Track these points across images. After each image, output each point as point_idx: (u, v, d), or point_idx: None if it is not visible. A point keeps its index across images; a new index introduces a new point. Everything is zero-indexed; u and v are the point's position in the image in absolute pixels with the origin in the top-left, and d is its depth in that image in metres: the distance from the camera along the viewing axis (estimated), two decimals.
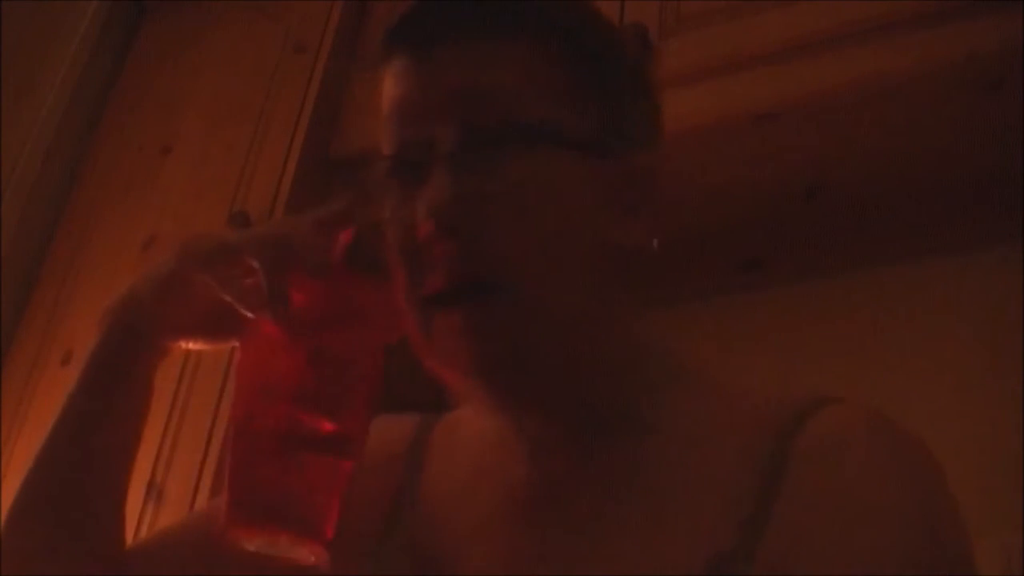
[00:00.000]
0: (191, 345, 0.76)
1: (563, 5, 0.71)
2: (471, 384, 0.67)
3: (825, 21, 1.31)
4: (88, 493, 0.76)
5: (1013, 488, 1.22)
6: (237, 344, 0.69)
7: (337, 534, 0.62)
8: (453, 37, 0.67)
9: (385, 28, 0.74)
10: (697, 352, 0.75)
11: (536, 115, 0.65)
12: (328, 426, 0.63)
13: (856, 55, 1.29)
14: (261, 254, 0.66)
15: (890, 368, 1.45)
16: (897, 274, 1.52)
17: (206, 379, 1.47)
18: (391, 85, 0.71)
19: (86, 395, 0.77)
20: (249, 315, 0.67)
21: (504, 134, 0.65)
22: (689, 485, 0.64)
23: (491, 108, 0.65)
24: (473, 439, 0.75)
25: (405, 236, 0.66)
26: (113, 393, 0.76)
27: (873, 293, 1.53)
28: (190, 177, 1.72)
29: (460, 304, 0.64)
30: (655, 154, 0.71)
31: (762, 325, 1.55)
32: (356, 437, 0.66)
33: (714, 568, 0.59)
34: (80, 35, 1.94)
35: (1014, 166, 1.35)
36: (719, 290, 1.61)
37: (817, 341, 1.52)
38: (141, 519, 1.36)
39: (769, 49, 1.32)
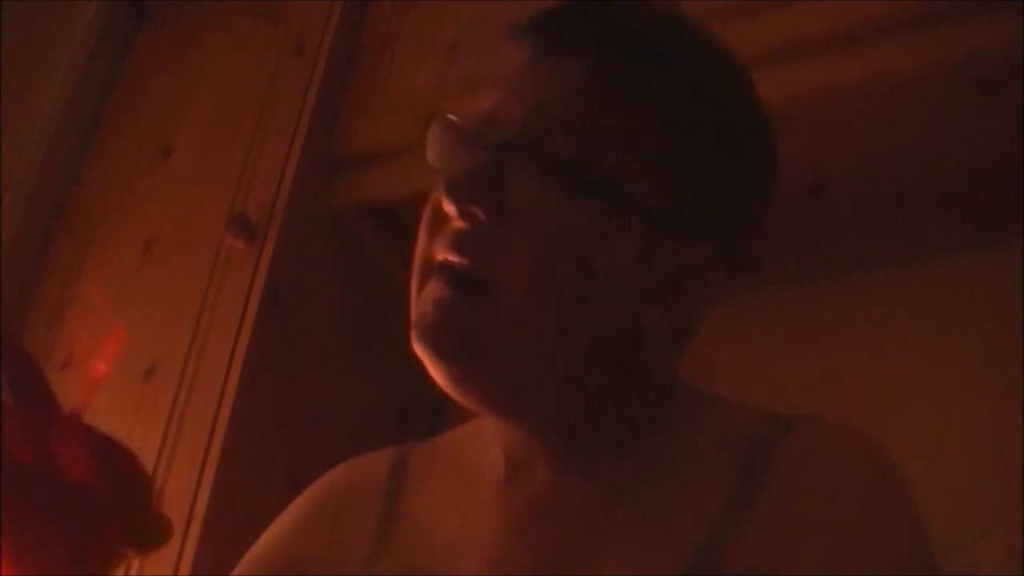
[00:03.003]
0: None
1: (694, 50, 0.69)
2: (416, 345, 0.66)
3: (825, 22, 1.31)
4: None
5: (1013, 488, 1.22)
6: None
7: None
8: (568, 49, 0.67)
9: (520, 20, 0.71)
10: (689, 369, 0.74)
11: (603, 162, 0.64)
12: None
13: (856, 55, 1.29)
14: None
15: (890, 367, 1.45)
16: (897, 273, 1.52)
17: (207, 378, 1.47)
18: (515, 59, 0.70)
19: None
20: None
21: (565, 163, 0.64)
22: (670, 497, 0.65)
23: (564, 133, 0.65)
24: (457, 455, 0.76)
25: (434, 199, 0.67)
26: None
27: (873, 292, 1.53)
28: (190, 178, 1.72)
29: (449, 281, 0.65)
30: (715, 250, 0.68)
31: (762, 324, 1.55)
32: None
33: (687, 571, 0.60)
34: (80, 35, 1.94)
35: (1014, 165, 1.35)
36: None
37: (817, 340, 1.52)
38: None
39: (769, 49, 1.32)
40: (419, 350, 0.65)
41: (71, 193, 1.86)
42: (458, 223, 0.65)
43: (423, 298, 0.66)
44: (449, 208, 0.65)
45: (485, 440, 0.73)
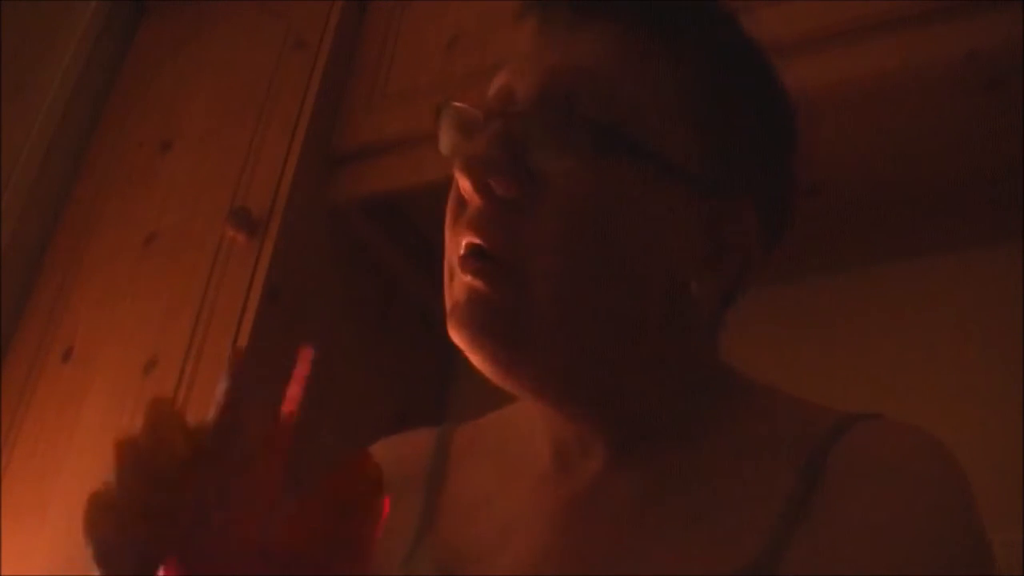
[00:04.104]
0: None
1: (723, 24, 0.67)
2: (463, 347, 0.63)
3: (824, 19, 1.31)
4: None
5: (1013, 488, 1.22)
6: None
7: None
8: (587, 15, 0.64)
9: None
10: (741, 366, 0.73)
11: (634, 124, 0.62)
12: None
13: (856, 53, 1.29)
14: None
15: (890, 365, 1.45)
16: (897, 272, 1.52)
17: (207, 373, 1.47)
18: (522, 37, 0.68)
19: None
20: None
21: (590, 127, 0.61)
22: (726, 494, 0.62)
23: (588, 97, 0.62)
24: (501, 440, 0.73)
25: (454, 186, 0.64)
26: None
27: (873, 290, 1.53)
28: (191, 173, 1.72)
29: (476, 267, 0.61)
30: (758, 200, 0.66)
31: (762, 323, 1.55)
32: None
33: (745, 571, 0.58)
34: (81, 30, 1.94)
35: (1014, 164, 1.35)
36: None
37: (817, 339, 1.52)
38: None
39: (768, 48, 1.32)
40: (459, 341, 0.62)
41: (72, 188, 1.86)
42: (477, 201, 0.61)
43: (455, 288, 0.63)
44: (465, 185, 0.61)
45: (530, 426, 0.70)
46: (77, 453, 1.52)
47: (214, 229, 1.60)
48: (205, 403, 1.45)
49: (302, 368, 0.52)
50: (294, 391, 0.51)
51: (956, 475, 0.61)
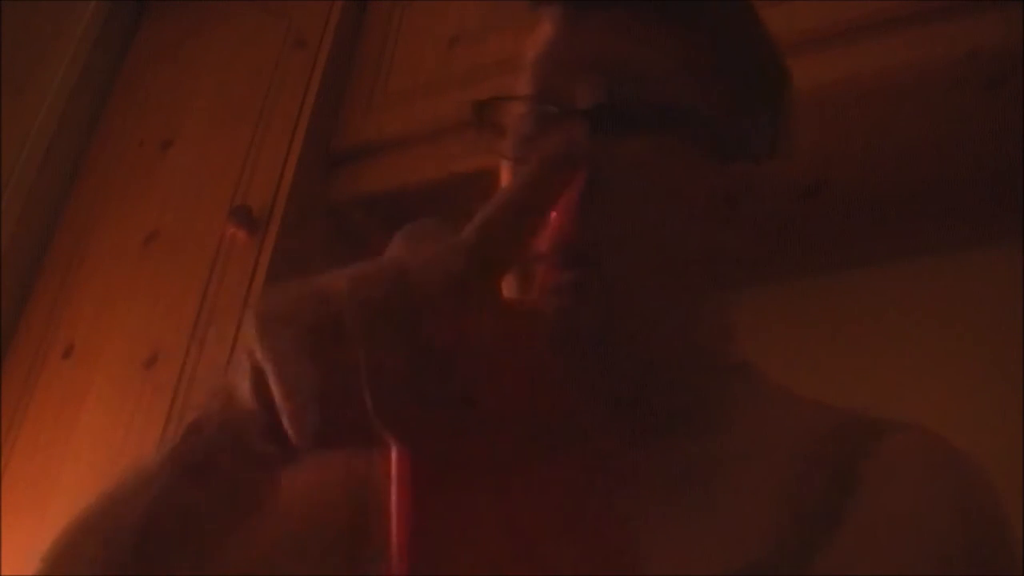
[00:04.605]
0: None
1: (736, 4, 0.70)
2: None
3: (825, 18, 1.31)
4: None
5: (1013, 488, 1.22)
6: None
7: None
8: (620, 2, 0.66)
9: None
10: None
11: (678, 100, 0.64)
12: None
13: (856, 52, 1.29)
14: None
15: (889, 366, 1.45)
16: (897, 272, 1.52)
17: (208, 369, 1.47)
18: (544, 28, 0.69)
19: None
20: None
21: (642, 110, 0.64)
22: (749, 486, 0.63)
23: (632, 81, 0.64)
24: None
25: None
26: None
27: (873, 291, 1.53)
28: (191, 172, 1.72)
29: (562, 265, 0.62)
30: (772, 166, 0.70)
31: (761, 323, 1.55)
32: None
33: (758, 570, 0.58)
34: (81, 29, 1.94)
35: (1014, 164, 1.35)
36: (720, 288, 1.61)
37: (816, 339, 1.52)
38: None
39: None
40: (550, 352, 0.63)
41: (72, 188, 1.86)
42: (568, 200, 0.62)
43: (531, 289, 0.64)
44: None
45: (566, 403, 0.70)
46: (77, 451, 1.52)
47: (214, 227, 1.60)
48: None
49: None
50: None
51: (990, 493, 0.62)
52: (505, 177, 0.67)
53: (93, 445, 1.51)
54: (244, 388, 0.43)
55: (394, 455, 0.40)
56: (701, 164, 0.66)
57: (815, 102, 1.34)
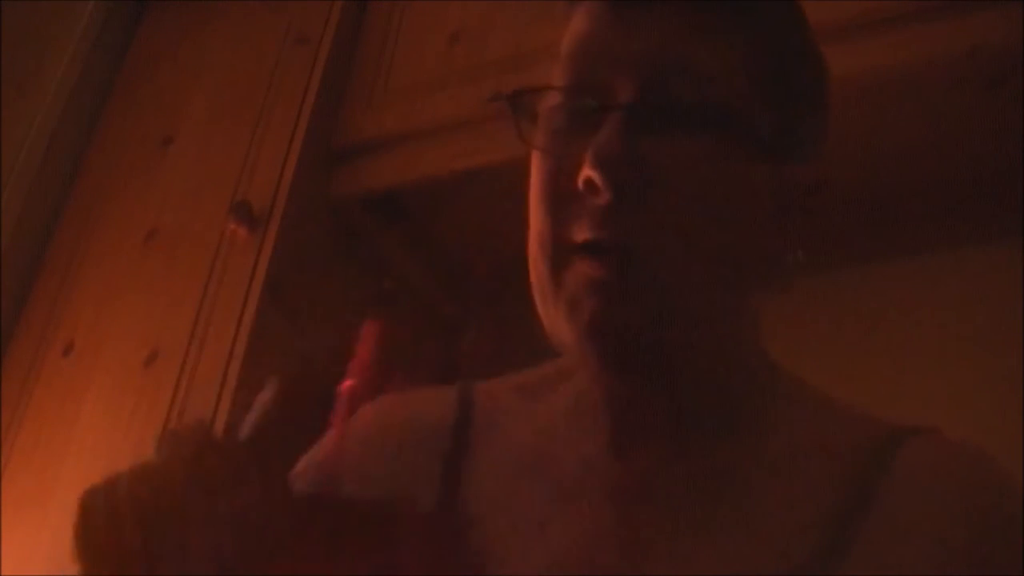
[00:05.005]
0: None
1: (782, 3, 0.69)
2: (583, 343, 0.62)
3: (825, 16, 1.30)
4: None
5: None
6: None
7: None
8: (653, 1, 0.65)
9: None
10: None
11: (725, 99, 0.63)
12: None
13: (857, 51, 1.29)
14: None
15: (890, 363, 1.45)
16: (897, 270, 1.52)
17: (208, 367, 1.47)
18: (582, 21, 0.66)
19: None
20: None
21: (690, 108, 0.62)
22: (777, 494, 0.63)
23: (681, 78, 0.63)
24: (536, 406, 0.72)
25: (558, 175, 0.63)
26: None
27: (873, 289, 1.53)
28: (191, 169, 1.72)
29: (600, 258, 0.61)
30: (816, 169, 0.69)
31: (763, 323, 1.55)
32: None
33: (796, 571, 0.58)
34: (82, 25, 1.94)
35: (1015, 162, 1.35)
36: None
37: (817, 337, 1.52)
38: None
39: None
40: (583, 340, 0.62)
41: (72, 186, 1.86)
42: (608, 198, 0.60)
43: (569, 282, 0.62)
44: (603, 182, 0.60)
45: (578, 396, 0.69)
46: (78, 448, 1.52)
47: (215, 224, 1.60)
48: (207, 397, 1.46)
49: (365, 344, 0.53)
50: (358, 366, 0.53)
51: (1014, 496, 0.63)
52: (536, 167, 0.66)
53: (93, 443, 1.51)
54: None
55: None
56: (751, 165, 0.64)
57: None
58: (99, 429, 1.52)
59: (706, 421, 0.66)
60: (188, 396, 1.47)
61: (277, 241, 1.54)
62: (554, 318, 0.63)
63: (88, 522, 0.52)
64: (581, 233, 0.62)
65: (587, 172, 0.60)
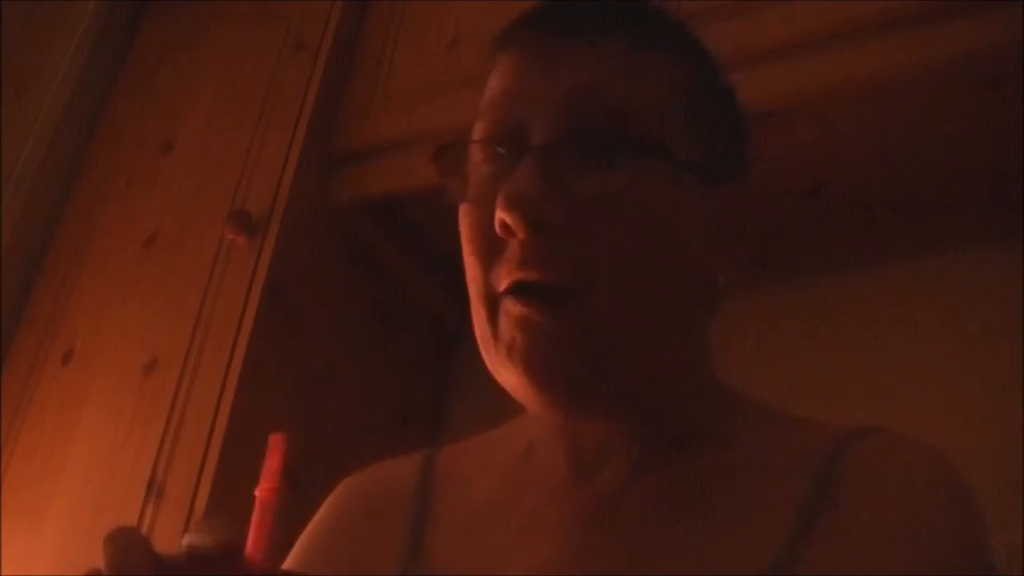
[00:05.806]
0: None
1: (683, 30, 0.71)
2: (524, 385, 0.63)
3: (825, 19, 1.31)
4: None
5: (1013, 488, 1.22)
6: None
7: None
8: (572, 38, 0.66)
9: (505, 27, 0.70)
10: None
11: (645, 127, 0.64)
12: None
13: (856, 53, 1.29)
14: None
15: (889, 366, 1.45)
16: (897, 272, 1.52)
17: (207, 374, 1.47)
18: (498, 74, 0.68)
19: None
20: None
21: (612, 140, 0.63)
22: (741, 505, 0.64)
23: (600, 111, 0.63)
24: (495, 457, 0.74)
25: (483, 224, 0.64)
26: None
27: (874, 291, 1.53)
28: (191, 174, 1.72)
29: (528, 301, 0.61)
30: (744, 187, 0.70)
31: (764, 323, 1.55)
32: None
33: None
34: (81, 31, 1.94)
35: (1014, 164, 1.35)
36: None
37: (818, 339, 1.52)
38: (141, 517, 1.36)
39: (769, 47, 1.32)
40: (523, 378, 0.62)
41: (72, 188, 1.86)
42: (524, 236, 0.61)
43: (504, 327, 0.63)
44: (515, 222, 0.61)
45: (530, 441, 0.71)
46: (77, 455, 1.52)
47: (214, 230, 1.60)
48: (206, 404, 1.45)
49: (272, 458, 0.53)
50: (267, 479, 0.53)
51: (959, 483, 0.63)
52: (463, 220, 0.67)
53: (92, 450, 1.51)
54: None
55: None
56: (679, 191, 0.65)
57: (815, 103, 1.34)
58: (98, 436, 1.51)
59: (659, 440, 0.67)
60: (187, 403, 1.46)
61: (276, 247, 1.53)
62: (497, 364, 0.65)
63: None
64: (507, 276, 0.63)
65: (499, 215, 0.61)
